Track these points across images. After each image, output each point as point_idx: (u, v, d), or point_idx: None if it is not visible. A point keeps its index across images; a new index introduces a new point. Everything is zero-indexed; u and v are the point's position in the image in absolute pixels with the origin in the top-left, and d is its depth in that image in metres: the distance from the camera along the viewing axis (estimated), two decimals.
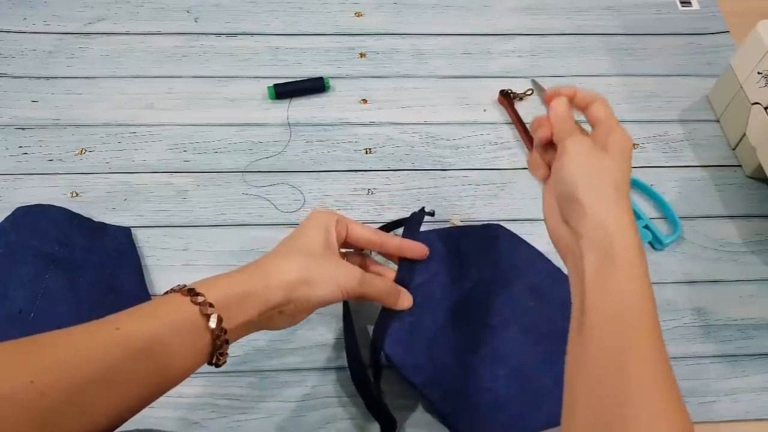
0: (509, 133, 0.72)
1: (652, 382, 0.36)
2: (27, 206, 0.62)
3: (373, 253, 0.58)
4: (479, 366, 0.52)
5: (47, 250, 0.58)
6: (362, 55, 0.77)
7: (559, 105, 0.48)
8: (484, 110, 0.74)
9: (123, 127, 0.70)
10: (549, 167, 0.48)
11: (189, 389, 0.55)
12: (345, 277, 0.49)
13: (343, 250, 0.54)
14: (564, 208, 0.44)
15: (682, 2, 0.84)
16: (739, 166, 0.70)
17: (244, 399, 0.55)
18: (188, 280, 0.43)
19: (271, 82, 0.73)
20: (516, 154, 0.70)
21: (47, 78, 0.73)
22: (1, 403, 0.32)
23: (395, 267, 0.56)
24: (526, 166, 0.70)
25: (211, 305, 0.41)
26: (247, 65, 0.76)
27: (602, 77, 0.77)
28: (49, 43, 0.76)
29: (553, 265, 0.60)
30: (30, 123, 0.70)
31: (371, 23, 0.80)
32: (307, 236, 0.50)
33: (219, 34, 0.78)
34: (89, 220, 0.63)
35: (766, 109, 0.65)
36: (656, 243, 0.64)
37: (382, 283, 0.52)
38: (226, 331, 0.41)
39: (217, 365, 0.43)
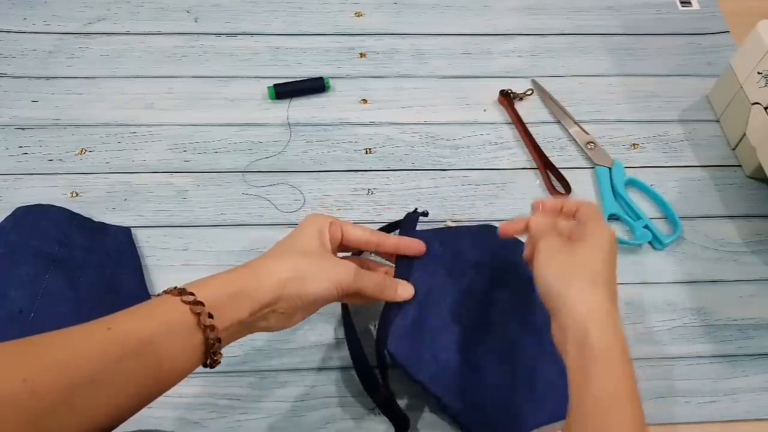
0: (509, 133, 0.72)
1: None
2: (27, 206, 0.62)
3: (372, 255, 0.58)
4: (483, 362, 0.53)
5: (47, 250, 0.58)
6: (362, 55, 0.77)
7: (539, 220, 0.49)
8: (484, 110, 0.74)
9: (123, 127, 0.70)
10: None
11: (189, 389, 0.55)
12: (339, 272, 0.48)
13: (341, 254, 0.54)
14: (547, 306, 0.45)
15: (682, 2, 0.84)
16: (739, 166, 0.70)
17: (244, 399, 0.55)
18: (188, 280, 0.43)
19: (271, 82, 0.73)
20: (516, 154, 0.70)
21: (47, 78, 0.73)
22: None
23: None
24: (526, 166, 0.70)
25: (201, 304, 0.41)
26: (247, 65, 0.76)
27: (602, 77, 0.77)
28: (49, 43, 0.76)
29: None
30: (30, 123, 0.70)
31: (371, 23, 0.80)
32: (300, 237, 0.49)
33: (219, 34, 0.78)
34: (89, 220, 0.63)
35: (766, 109, 0.65)
36: (656, 243, 0.64)
37: (378, 276, 0.51)
38: (217, 330, 0.41)
39: (211, 366, 0.42)
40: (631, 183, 0.68)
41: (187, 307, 0.41)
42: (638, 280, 0.63)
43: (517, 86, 0.74)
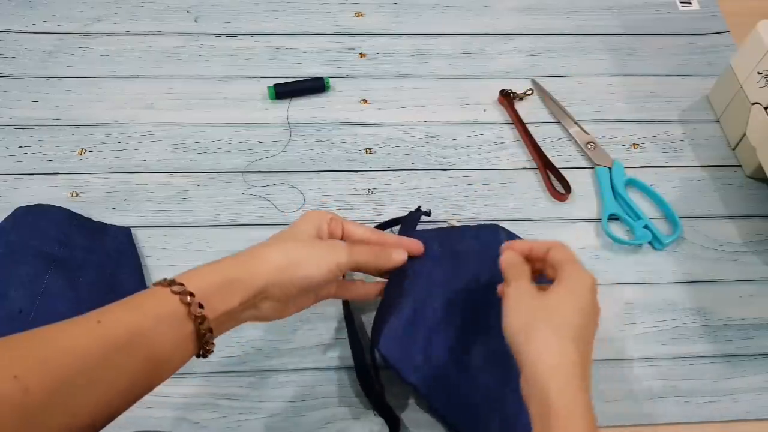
0: (509, 133, 0.72)
1: None
2: (27, 206, 0.62)
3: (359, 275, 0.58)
4: (476, 364, 0.52)
5: (47, 250, 0.58)
6: (362, 55, 0.77)
7: (509, 255, 0.48)
8: (484, 110, 0.74)
9: (123, 127, 0.70)
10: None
11: (189, 389, 0.55)
12: (332, 252, 0.48)
13: None
14: (513, 356, 0.43)
15: (682, 2, 0.84)
16: (739, 166, 0.70)
17: (244, 399, 0.55)
18: None
19: (271, 82, 0.73)
20: (516, 154, 0.70)
21: (47, 78, 0.73)
22: None
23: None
24: (526, 166, 0.70)
25: (191, 294, 0.41)
26: (247, 65, 0.76)
27: (602, 77, 0.77)
28: (49, 43, 0.76)
29: None
30: (30, 123, 0.70)
31: (371, 23, 0.80)
32: (296, 228, 0.49)
33: (219, 34, 0.78)
34: (89, 220, 0.63)
35: (766, 109, 0.65)
36: (656, 243, 0.64)
37: (370, 247, 0.51)
38: (208, 320, 0.41)
39: (204, 356, 0.42)
40: (631, 183, 0.68)
41: (177, 297, 0.40)
42: (638, 280, 0.63)
43: (517, 86, 0.74)
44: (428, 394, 0.51)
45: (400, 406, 0.55)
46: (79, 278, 0.58)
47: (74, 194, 0.66)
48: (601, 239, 0.65)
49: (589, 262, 0.63)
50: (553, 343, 0.40)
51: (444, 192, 0.67)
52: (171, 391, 0.55)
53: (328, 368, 0.57)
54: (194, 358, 0.43)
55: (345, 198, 0.67)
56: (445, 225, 0.64)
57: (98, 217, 0.64)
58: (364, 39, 0.79)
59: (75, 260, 0.59)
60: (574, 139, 0.71)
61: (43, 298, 0.55)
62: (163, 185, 0.67)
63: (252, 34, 0.78)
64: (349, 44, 0.78)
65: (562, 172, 0.68)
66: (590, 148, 0.70)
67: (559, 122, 0.73)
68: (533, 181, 0.69)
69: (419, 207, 0.60)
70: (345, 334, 0.57)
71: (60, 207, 0.62)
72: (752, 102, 0.67)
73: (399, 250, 0.53)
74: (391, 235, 0.55)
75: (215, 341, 0.43)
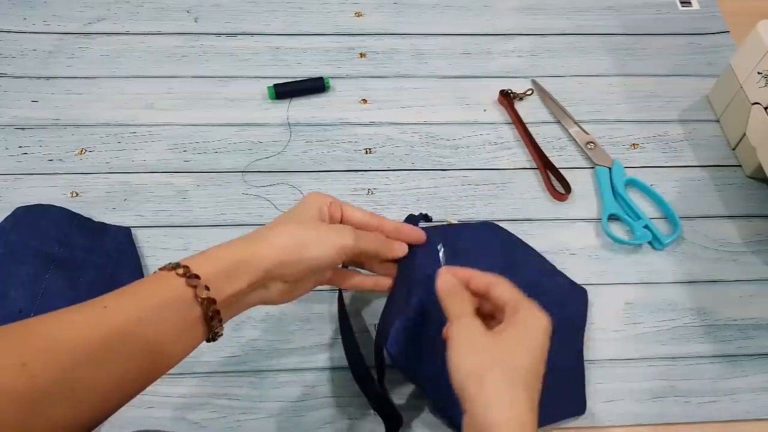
0: (509, 133, 0.72)
1: None
2: (27, 206, 0.62)
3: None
4: None
5: (47, 250, 0.58)
6: (362, 55, 0.77)
7: (444, 281, 0.44)
8: (484, 110, 0.74)
9: (123, 127, 0.70)
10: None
11: (188, 389, 0.55)
12: (339, 235, 0.47)
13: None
14: (460, 401, 0.40)
15: (682, 2, 0.84)
16: (739, 166, 0.70)
17: (244, 399, 0.55)
18: None
19: (271, 82, 0.73)
20: (516, 154, 0.70)
21: (47, 78, 0.73)
22: None
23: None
24: (526, 166, 0.70)
25: (197, 277, 0.40)
26: (247, 65, 0.76)
27: (602, 77, 0.77)
28: (49, 43, 0.76)
29: (549, 262, 0.61)
30: (30, 123, 0.70)
31: (371, 23, 0.80)
32: (300, 210, 0.49)
33: (219, 34, 0.78)
34: (89, 220, 0.63)
35: (766, 109, 0.65)
36: (656, 243, 0.64)
37: (375, 234, 0.51)
38: (215, 302, 0.41)
39: (213, 339, 0.42)
40: (631, 183, 0.68)
41: (183, 280, 0.40)
42: (638, 280, 0.63)
43: (517, 86, 0.74)
44: (434, 394, 0.51)
45: (407, 406, 0.55)
46: (79, 278, 0.58)
47: (74, 194, 0.66)
48: (601, 239, 0.65)
49: (589, 262, 0.63)
50: (504, 392, 0.38)
51: (444, 192, 0.67)
52: (171, 391, 0.55)
53: (328, 368, 0.57)
54: (199, 352, 0.42)
55: (345, 198, 0.66)
56: (444, 223, 0.64)
57: (98, 217, 0.64)
58: (364, 39, 0.79)
59: (75, 260, 0.59)
60: (574, 139, 0.71)
61: (43, 298, 0.55)
62: (163, 185, 0.67)
63: (252, 34, 0.78)
64: (349, 44, 0.78)
65: (562, 172, 0.68)
66: (590, 148, 0.70)
67: (559, 122, 0.73)
68: (533, 181, 0.69)
69: (421, 213, 0.60)
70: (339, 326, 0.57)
71: (60, 207, 0.62)
72: (752, 102, 0.67)
73: (401, 243, 0.53)
74: (389, 220, 0.55)
75: (225, 325, 0.43)
